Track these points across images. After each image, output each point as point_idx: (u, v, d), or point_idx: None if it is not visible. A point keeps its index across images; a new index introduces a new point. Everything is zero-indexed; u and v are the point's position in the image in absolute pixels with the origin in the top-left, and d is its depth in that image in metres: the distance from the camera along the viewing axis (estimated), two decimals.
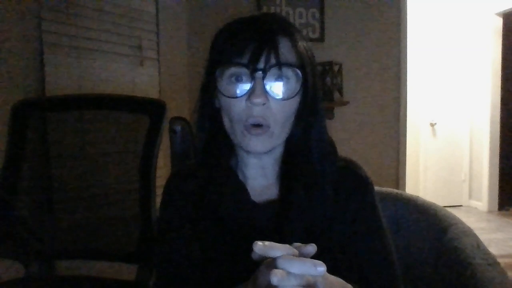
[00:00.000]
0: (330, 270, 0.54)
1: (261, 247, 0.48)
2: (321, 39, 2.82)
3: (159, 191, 1.25)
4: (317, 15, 2.82)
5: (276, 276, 0.45)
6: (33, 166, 1.41)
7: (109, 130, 1.45)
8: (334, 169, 0.70)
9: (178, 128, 1.36)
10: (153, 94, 2.18)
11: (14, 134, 1.36)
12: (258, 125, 0.64)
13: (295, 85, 0.64)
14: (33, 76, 1.66)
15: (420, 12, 4.36)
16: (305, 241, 0.52)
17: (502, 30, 4.32)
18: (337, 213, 0.68)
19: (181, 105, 2.26)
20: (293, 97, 0.64)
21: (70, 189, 1.45)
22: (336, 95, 2.74)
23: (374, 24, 2.93)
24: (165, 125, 1.31)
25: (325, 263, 0.47)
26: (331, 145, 0.72)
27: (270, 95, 0.62)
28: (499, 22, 4.32)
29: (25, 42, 1.63)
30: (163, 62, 2.26)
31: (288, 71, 0.63)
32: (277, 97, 0.63)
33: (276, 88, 0.63)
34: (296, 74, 0.64)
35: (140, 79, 2.11)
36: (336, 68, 2.71)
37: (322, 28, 2.83)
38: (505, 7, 4.18)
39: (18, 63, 1.61)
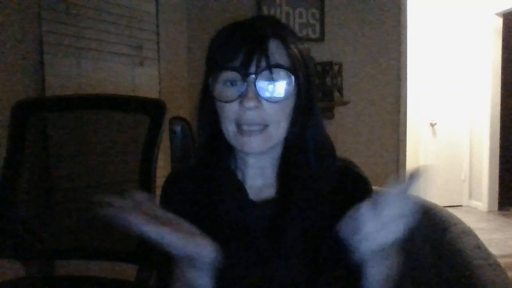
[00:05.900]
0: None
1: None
2: (321, 39, 2.82)
3: (159, 191, 1.25)
4: (317, 15, 2.82)
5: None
6: (33, 166, 1.41)
7: (109, 130, 1.44)
8: (333, 170, 0.70)
9: (178, 128, 1.36)
10: (153, 94, 2.17)
11: (14, 134, 1.35)
12: (251, 130, 0.65)
13: (287, 87, 0.65)
14: (33, 76, 1.66)
15: (420, 12, 4.36)
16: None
17: (502, 30, 4.32)
18: (336, 213, 0.67)
19: (181, 105, 2.26)
20: (285, 98, 0.65)
21: (70, 189, 1.45)
22: (336, 95, 2.73)
23: (374, 24, 2.93)
24: (165, 125, 1.31)
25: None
26: (330, 146, 0.72)
27: (262, 97, 0.64)
28: (499, 22, 4.32)
29: (25, 42, 1.63)
30: (163, 62, 2.25)
31: (279, 74, 0.64)
32: (270, 100, 0.64)
33: (268, 90, 0.64)
34: (288, 76, 0.65)
35: (140, 79, 2.11)
36: (336, 68, 2.70)
37: (322, 28, 2.83)
38: (505, 7, 4.18)
39: (18, 63, 1.61)
